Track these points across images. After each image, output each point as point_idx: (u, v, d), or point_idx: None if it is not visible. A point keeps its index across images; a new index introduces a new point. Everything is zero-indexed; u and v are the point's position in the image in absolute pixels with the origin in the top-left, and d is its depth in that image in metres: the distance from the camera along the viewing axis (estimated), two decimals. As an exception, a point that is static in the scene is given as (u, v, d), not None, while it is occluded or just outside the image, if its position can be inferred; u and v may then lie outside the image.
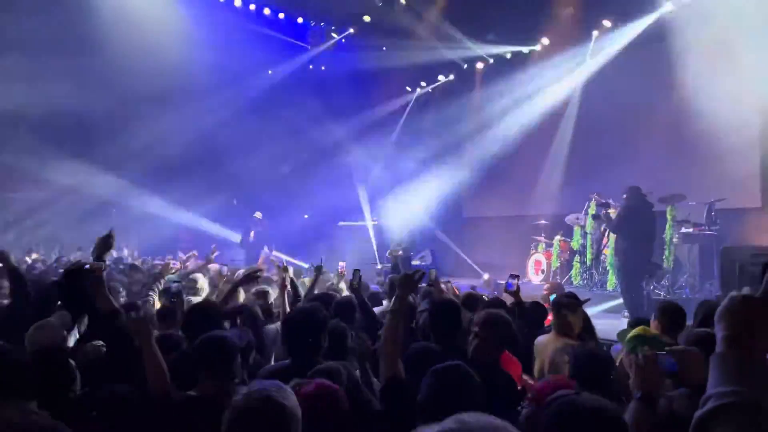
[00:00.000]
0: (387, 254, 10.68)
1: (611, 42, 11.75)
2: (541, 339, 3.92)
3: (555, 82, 12.85)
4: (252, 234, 12.86)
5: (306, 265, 10.46)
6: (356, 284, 4.35)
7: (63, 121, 12.33)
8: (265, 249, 9.78)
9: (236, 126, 13.94)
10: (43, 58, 10.80)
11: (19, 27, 10.46)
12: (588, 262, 10.73)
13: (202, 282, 5.73)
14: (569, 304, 4.07)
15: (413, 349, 3.10)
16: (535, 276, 11.56)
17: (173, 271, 5.74)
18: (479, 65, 14.18)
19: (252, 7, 13.06)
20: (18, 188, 13.96)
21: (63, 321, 3.41)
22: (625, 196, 8.39)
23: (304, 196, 14.79)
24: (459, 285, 7.66)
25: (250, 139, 13.84)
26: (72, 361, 2.86)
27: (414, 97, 15.91)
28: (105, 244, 4.40)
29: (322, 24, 13.85)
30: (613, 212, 9.00)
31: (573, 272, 10.89)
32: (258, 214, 13.03)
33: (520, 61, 13.37)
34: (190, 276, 6.06)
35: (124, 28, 11.27)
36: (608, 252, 9.79)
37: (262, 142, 13.85)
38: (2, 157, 12.43)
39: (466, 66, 14.38)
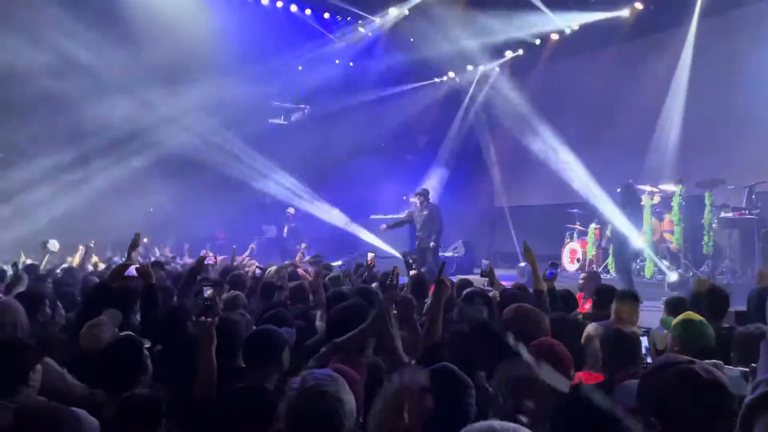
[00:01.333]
0: (416, 246, 10.64)
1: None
2: (595, 326, 3.88)
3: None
4: (285, 229, 13.03)
5: (339, 263, 10.53)
6: (395, 281, 4.36)
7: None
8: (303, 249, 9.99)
9: (266, 124, 14.10)
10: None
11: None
12: (624, 250, 10.57)
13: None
14: (631, 294, 4.27)
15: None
16: (571, 265, 11.44)
17: (212, 264, 5.96)
18: (508, 53, 14.08)
19: (279, 4, 13.16)
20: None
21: (114, 318, 3.55)
22: (619, 190, 9.10)
23: (334, 190, 14.90)
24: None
25: (279, 137, 14.00)
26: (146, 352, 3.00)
27: (443, 88, 15.90)
28: (132, 244, 4.95)
29: (348, 18, 13.88)
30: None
31: (609, 261, 10.73)
32: (291, 210, 13.18)
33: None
34: (234, 273, 6.25)
35: (153, 26, 11.45)
36: (646, 239, 9.64)
37: (293, 140, 13.98)
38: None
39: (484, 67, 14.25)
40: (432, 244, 10.33)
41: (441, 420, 1.93)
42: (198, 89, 12.41)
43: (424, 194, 10.82)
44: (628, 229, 8.72)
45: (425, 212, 10.56)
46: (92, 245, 8.98)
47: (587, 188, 11.94)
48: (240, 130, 13.64)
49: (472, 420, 2.01)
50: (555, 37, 13.08)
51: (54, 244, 9.10)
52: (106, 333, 3.32)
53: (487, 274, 5.33)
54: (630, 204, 8.90)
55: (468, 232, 14.49)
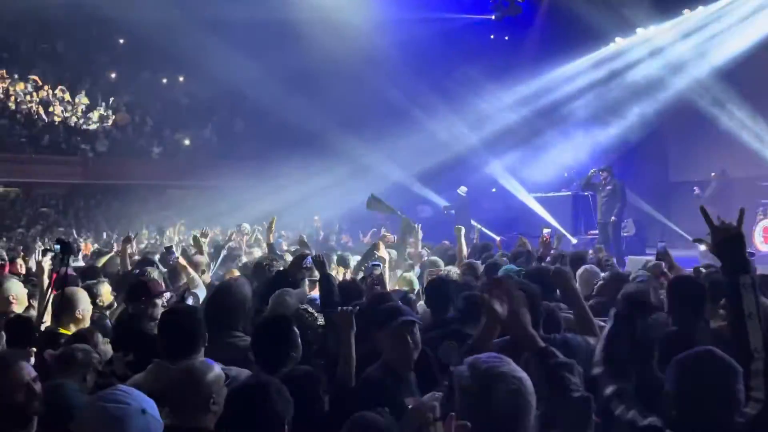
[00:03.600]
0: (597, 221, 10.50)
1: None
2: None
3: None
4: (454, 209, 13.27)
5: (498, 238, 10.39)
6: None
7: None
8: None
9: (425, 103, 14.27)
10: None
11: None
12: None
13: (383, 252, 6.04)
14: None
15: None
16: (765, 245, 10.12)
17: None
18: (686, 12, 12.67)
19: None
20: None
21: (300, 296, 3.86)
22: None
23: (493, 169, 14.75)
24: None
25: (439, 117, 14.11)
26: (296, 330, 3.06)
27: (607, 55, 14.76)
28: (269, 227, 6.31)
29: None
30: None
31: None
32: (462, 189, 13.35)
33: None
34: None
35: (316, 14, 12.09)
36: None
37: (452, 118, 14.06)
38: None
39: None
40: (613, 218, 10.45)
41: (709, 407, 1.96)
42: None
43: (609, 170, 10.91)
44: None
45: (609, 187, 10.71)
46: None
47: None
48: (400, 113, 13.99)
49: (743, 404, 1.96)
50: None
51: (246, 227, 10.59)
52: (292, 302, 3.57)
53: (663, 257, 4.91)
54: None
55: (638, 209, 13.42)
